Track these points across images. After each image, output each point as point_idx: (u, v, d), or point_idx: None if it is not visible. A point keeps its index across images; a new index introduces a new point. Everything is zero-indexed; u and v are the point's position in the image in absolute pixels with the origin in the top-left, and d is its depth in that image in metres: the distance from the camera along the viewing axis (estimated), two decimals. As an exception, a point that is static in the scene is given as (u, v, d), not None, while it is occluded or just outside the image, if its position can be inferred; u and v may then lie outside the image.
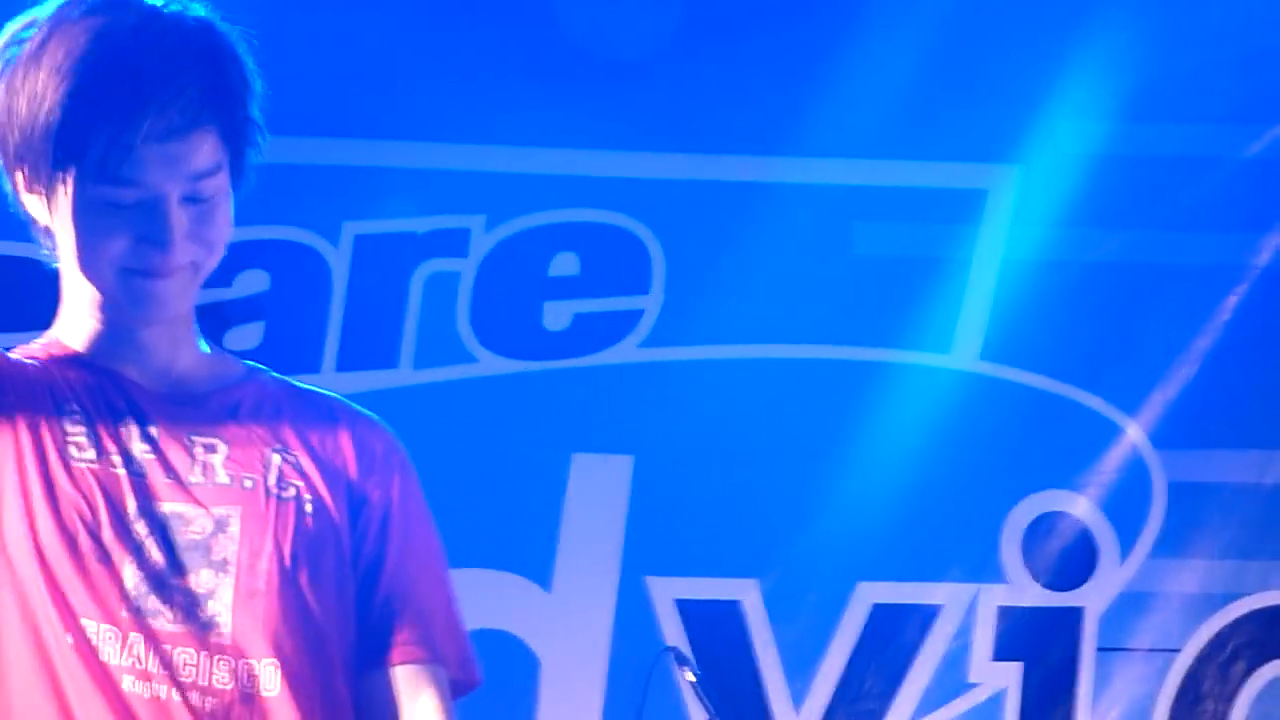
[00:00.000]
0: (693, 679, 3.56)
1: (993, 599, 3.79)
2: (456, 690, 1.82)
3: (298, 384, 1.77)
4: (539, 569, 3.78)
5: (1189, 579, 3.82)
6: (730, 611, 3.81)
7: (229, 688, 1.58)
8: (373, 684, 1.74)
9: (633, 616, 3.79)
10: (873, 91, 3.79)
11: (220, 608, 1.57)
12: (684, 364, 3.84)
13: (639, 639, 3.76)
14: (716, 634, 3.80)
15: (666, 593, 3.78)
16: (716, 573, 3.82)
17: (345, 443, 1.71)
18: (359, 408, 1.79)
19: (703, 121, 3.85)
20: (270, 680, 1.58)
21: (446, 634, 1.80)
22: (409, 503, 1.74)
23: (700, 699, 3.55)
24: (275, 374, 1.78)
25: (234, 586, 1.58)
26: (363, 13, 3.78)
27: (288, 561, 1.59)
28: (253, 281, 3.78)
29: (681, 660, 3.63)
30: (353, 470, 1.70)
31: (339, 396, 1.80)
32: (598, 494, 3.82)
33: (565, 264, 3.85)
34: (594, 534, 3.81)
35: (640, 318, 3.82)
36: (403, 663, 1.74)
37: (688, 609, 3.80)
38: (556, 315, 3.84)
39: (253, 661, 1.57)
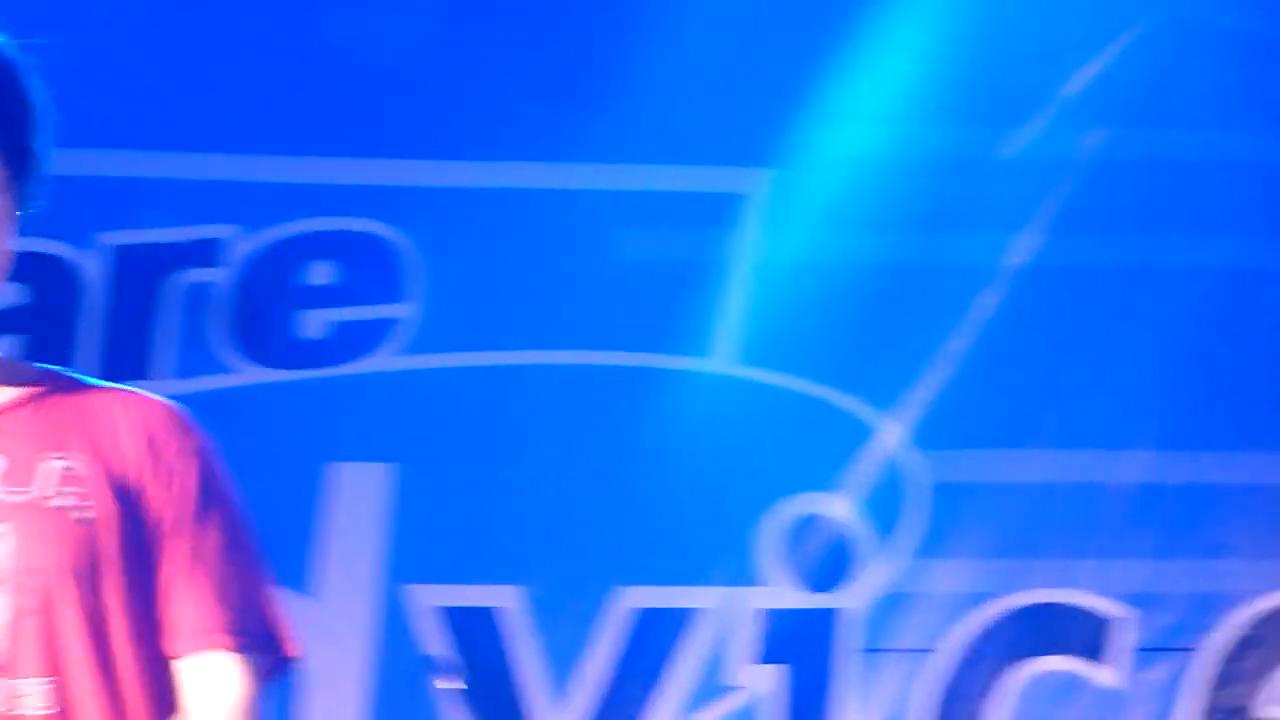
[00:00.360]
0: (454, 687, 3.58)
1: (752, 602, 3.83)
2: (275, 669, 1.80)
3: (92, 382, 1.75)
4: (299, 578, 3.79)
5: (948, 579, 3.85)
6: (491, 619, 3.84)
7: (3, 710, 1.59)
8: (182, 676, 1.72)
9: (394, 625, 3.81)
10: (630, 96, 3.81)
11: None
12: (443, 371, 3.86)
13: (400, 647, 3.78)
14: (478, 641, 3.82)
15: (428, 600, 3.80)
16: (477, 580, 3.84)
17: (134, 437, 1.68)
18: (156, 397, 1.76)
19: (460, 128, 3.85)
20: (43, 700, 1.57)
21: (248, 617, 1.77)
22: (204, 489, 1.71)
23: (461, 706, 3.58)
24: (75, 374, 1.77)
25: (9, 605, 1.57)
26: (115, 22, 3.78)
27: (62, 575, 1.58)
28: (4, 294, 3.77)
29: (443, 669, 3.66)
30: (141, 464, 1.67)
31: (135, 389, 1.77)
32: (357, 502, 3.83)
33: (321, 273, 3.85)
34: (354, 542, 3.82)
35: (398, 326, 3.84)
36: (198, 651, 1.71)
37: (449, 617, 3.82)
38: (312, 324, 3.84)
39: (22, 681, 1.56)
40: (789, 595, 3.81)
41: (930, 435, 3.86)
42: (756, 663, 3.82)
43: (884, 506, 3.85)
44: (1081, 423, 3.92)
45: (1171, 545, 3.86)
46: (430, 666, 3.68)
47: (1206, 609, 3.91)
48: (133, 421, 1.71)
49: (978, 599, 3.86)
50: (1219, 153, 3.97)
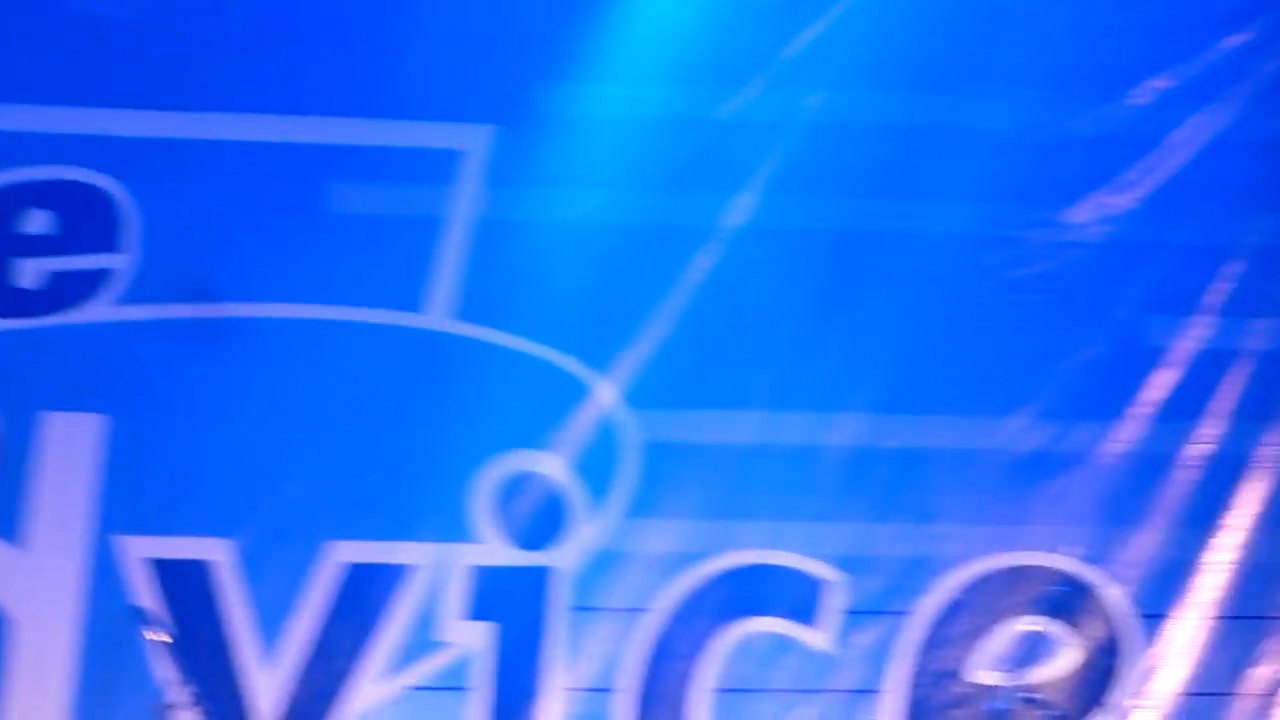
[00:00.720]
0: (159, 638, 3.60)
1: (463, 558, 3.87)
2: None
3: None
4: (10, 528, 3.82)
5: (660, 539, 3.91)
6: (201, 571, 3.88)
7: None
8: None
9: (104, 575, 3.85)
10: (346, 49, 3.86)
11: None
12: (157, 323, 3.91)
13: (110, 598, 3.81)
14: (187, 593, 3.86)
15: (137, 551, 3.84)
16: (188, 532, 3.89)
17: None
18: None
19: (175, 78, 3.89)
20: None
21: None
22: None
23: (169, 659, 3.59)
24: None
25: None
26: None
27: None
28: None
29: (149, 620, 3.67)
30: None
31: None
32: (69, 452, 3.88)
33: (36, 221, 3.87)
34: (65, 492, 3.87)
35: (112, 276, 3.86)
36: None
37: (158, 568, 3.85)
38: (28, 273, 3.87)
39: None
40: (501, 552, 3.87)
41: (644, 395, 3.93)
42: (468, 619, 3.88)
43: (597, 465, 3.91)
44: (795, 385, 3.97)
45: (883, 509, 3.91)
46: (139, 617, 3.70)
47: (917, 573, 3.98)
48: None
49: (689, 559, 3.94)
50: (937, 118, 4.03)
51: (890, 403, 4.05)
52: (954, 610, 4.21)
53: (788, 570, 4.14)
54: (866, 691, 4.00)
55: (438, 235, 3.91)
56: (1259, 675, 4.11)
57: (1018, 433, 4.22)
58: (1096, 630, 4.26)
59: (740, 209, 3.92)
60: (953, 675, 4.17)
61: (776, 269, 3.99)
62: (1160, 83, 4.29)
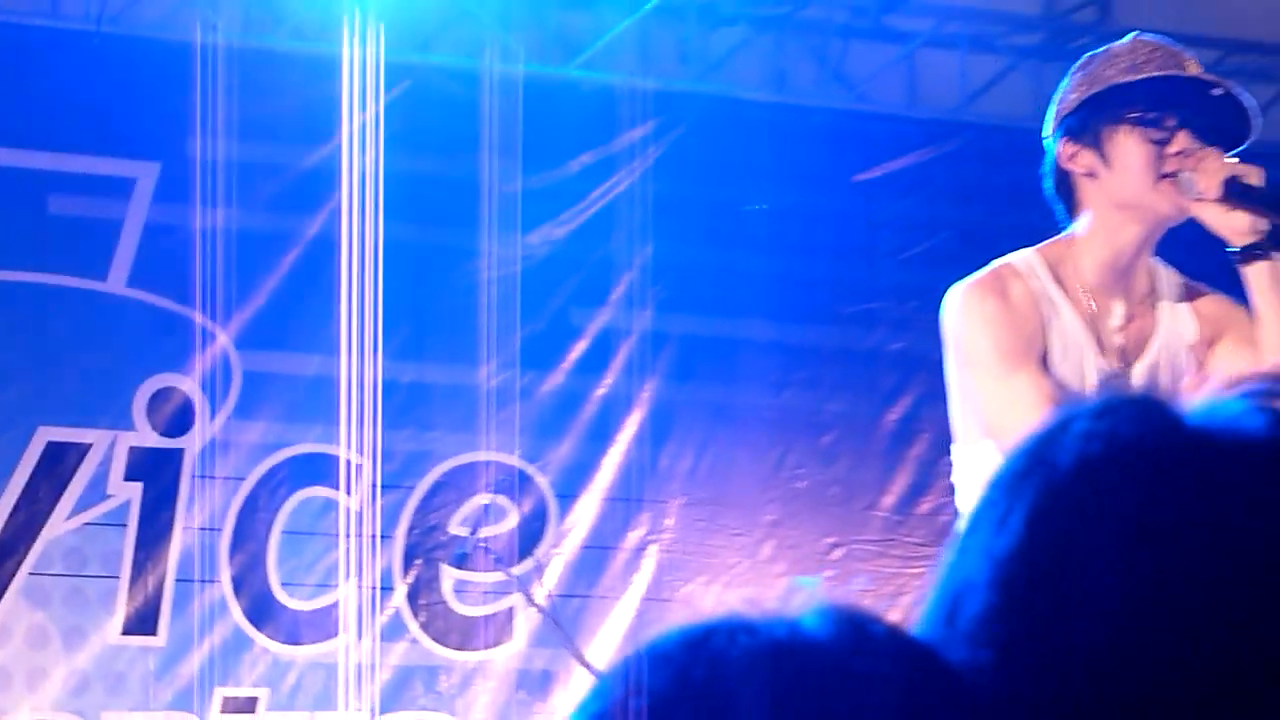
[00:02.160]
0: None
1: (127, 441, 6.13)
2: None
3: None
4: None
5: (255, 432, 6.23)
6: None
7: None
8: None
9: None
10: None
11: None
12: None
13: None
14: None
15: None
16: None
17: None
18: None
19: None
20: None
21: None
22: None
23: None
24: None
25: None
26: None
27: None
28: None
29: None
30: None
31: None
32: None
33: None
34: None
35: None
36: None
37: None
38: None
39: None
40: (150, 437, 6.12)
41: (247, 338, 6.18)
42: (126, 479, 6.12)
43: (215, 384, 6.18)
44: (349, 335, 6.27)
45: (400, 421, 6.35)
46: None
47: (420, 461, 6.48)
48: None
49: (273, 447, 6.37)
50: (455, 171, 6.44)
51: (407, 351, 6.48)
52: (439, 487, 6.77)
53: (334, 456, 6.55)
54: (386, 537, 6.38)
55: (120, 232, 6.16)
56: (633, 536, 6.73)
57: (486, 376, 6.74)
58: (529, 504, 6.83)
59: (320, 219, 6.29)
60: (436, 528, 6.73)
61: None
62: (586, 158, 6.93)
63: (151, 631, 6.40)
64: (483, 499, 6.70)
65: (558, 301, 6.99)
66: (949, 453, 7.08)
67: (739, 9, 7.30)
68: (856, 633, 0.96)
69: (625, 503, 7.09)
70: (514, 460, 6.87)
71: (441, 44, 6.97)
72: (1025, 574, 1.04)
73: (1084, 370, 3.93)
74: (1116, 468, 1.05)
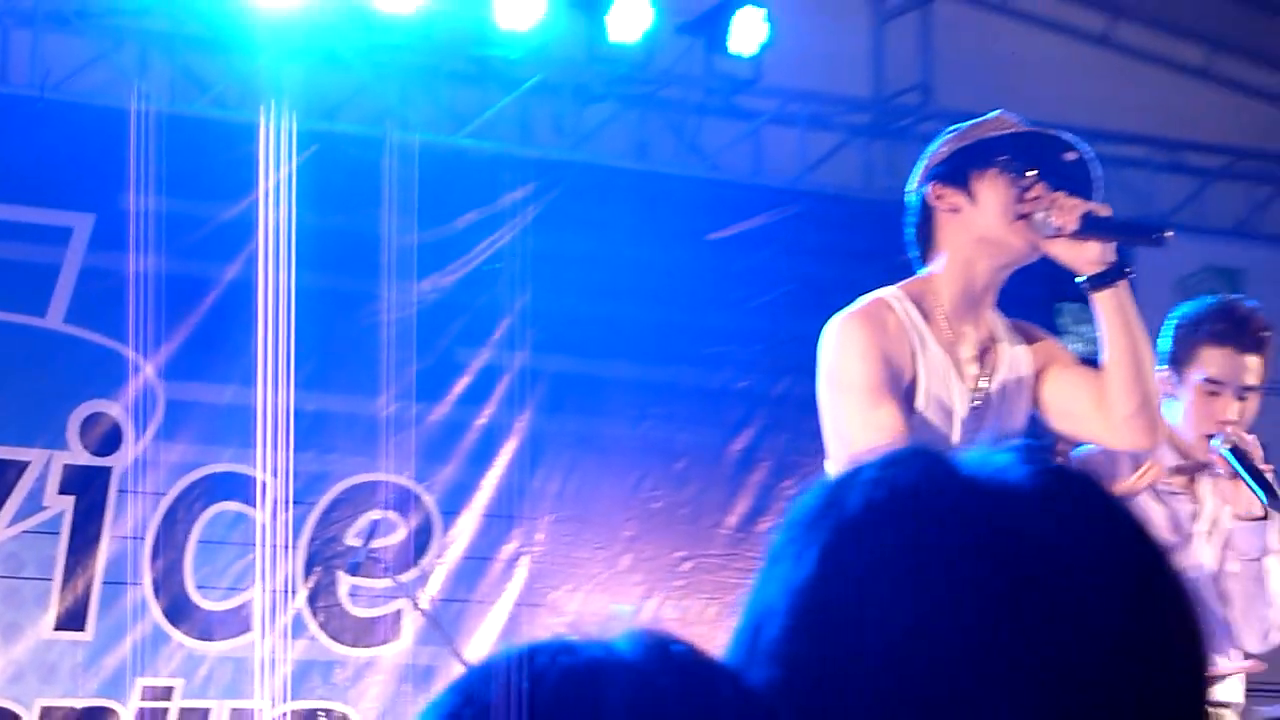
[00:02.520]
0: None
1: (62, 459, 6.83)
2: None
3: None
4: None
5: (175, 453, 6.96)
6: None
7: None
8: None
9: None
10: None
11: None
12: None
13: None
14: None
15: None
16: None
17: None
18: None
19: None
20: None
21: None
22: None
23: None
24: None
25: None
26: None
27: None
28: None
29: None
30: None
31: None
32: None
33: None
34: None
35: None
36: None
37: None
38: None
39: None
40: (82, 456, 6.79)
41: (171, 370, 6.90)
42: (60, 493, 6.78)
43: (140, 413, 6.87)
44: (262, 367, 7.01)
45: (309, 444, 7.05)
46: None
47: (320, 480, 7.19)
48: None
49: (192, 465, 7.06)
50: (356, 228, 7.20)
51: (313, 382, 7.07)
52: (337, 503, 7.41)
53: (245, 475, 7.19)
54: (290, 546, 6.98)
55: (59, 274, 6.85)
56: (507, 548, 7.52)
57: (382, 406, 7.38)
58: (416, 519, 7.42)
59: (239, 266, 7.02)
60: (335, 539, 7.37)
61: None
62: (472, 216, 7.65)
63: (80, 628, 6.98)
64: (376, 514, 7.36)
65: (445, 341, 7.69)
66: (787, 477, 8.14)
67: (607, 88, 8.10)
68: (662, 654, 1.03)
69: (501, 519, 7.76)
70: (404, 480, 7.49)
71: (347, 114, 7.73)
72: (817, 603, 1.13)
73: (951, 395, 4.10)
74: (896, 512, 1.15)
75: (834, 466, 3.96)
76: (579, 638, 1.05)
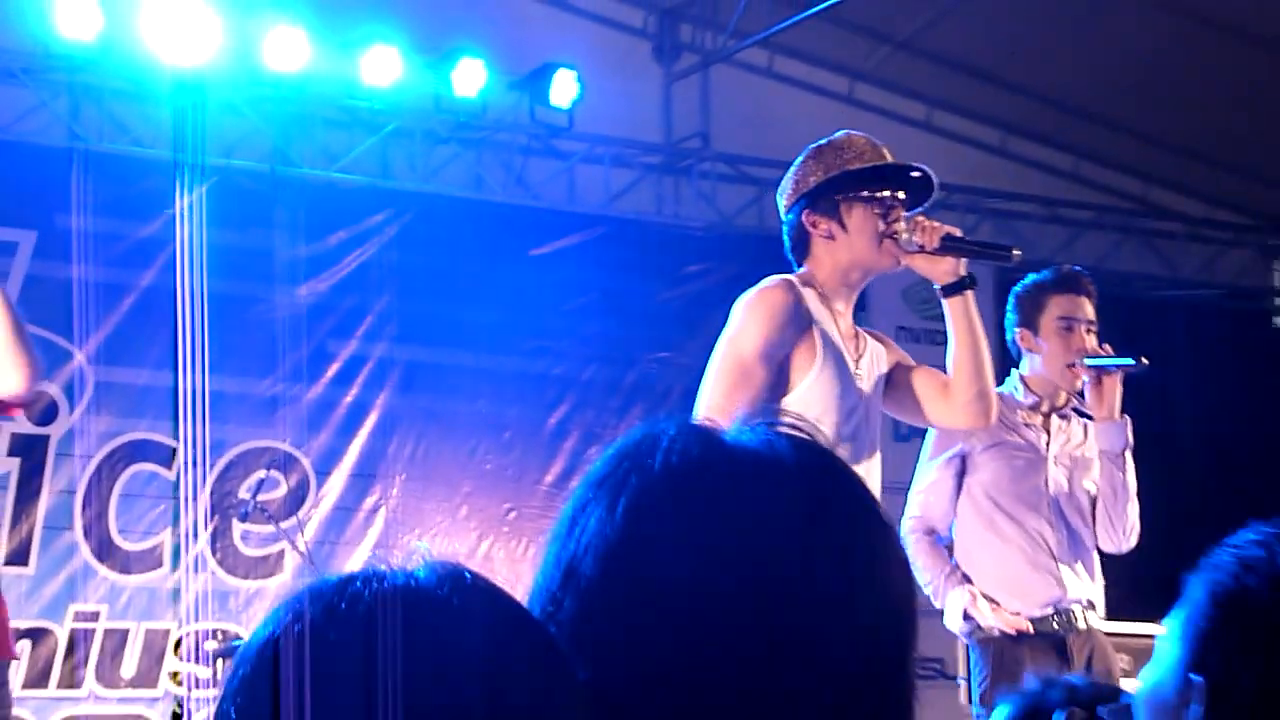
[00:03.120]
0: None
1: (9, 429, 7.57)
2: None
3: None
4: None
5: (102, 423, 7.96)
6: None
7: None
8: None
9: None
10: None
11: None
12: None
13: None
14: None
15: None
16: None
17: None
18: None
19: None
20: None
21: None
22: None
23: None
24: None
25: None
26: None
27: None
28: None
29: None
30: None
31: None
32: None
33: None
34: None
35: None
36: None
37: None
38: None
39: None
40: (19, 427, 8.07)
41: (97, 356, 8.21)
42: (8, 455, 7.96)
43: (75, 390, 8.15)
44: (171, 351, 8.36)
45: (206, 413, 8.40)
46: None
47: (218, 447, 8.08)
48: None
49: (115, 434, 8.05)
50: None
51: (216, 367, 7.60)
52: (232, 464, 8.18)
53: (161, 442, 7.97)
54: (194, 499, 7.73)
55: (6, 281, 7.27)
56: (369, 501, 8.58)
57: (269, 386, 8.26)
58: (295, 477, 8.19)
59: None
60: (230, 493, 8.12)
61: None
62: (342, 234, 8.50)
63: (25, 563, 7.75)
64: (263, 473, 8.16)
65: (320, 335, 8.50)
66: (592, 445, 8.79)
67: (451, 132, 8.94)
68: (455, 580, 1.15)
69: (364, 478, 8.56)
70: (287, 446, 8.39)
71: (241, 152, 8.46)
72: (619, 547, 1.27)
73: (843, 371, 4.15)
74: (684, 475, 1.28)
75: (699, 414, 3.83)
76: (387, 568, 1.14)
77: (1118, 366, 5.14)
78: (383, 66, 8.37)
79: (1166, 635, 1.63)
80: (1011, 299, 5.35)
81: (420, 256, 8.78)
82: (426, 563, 1.16)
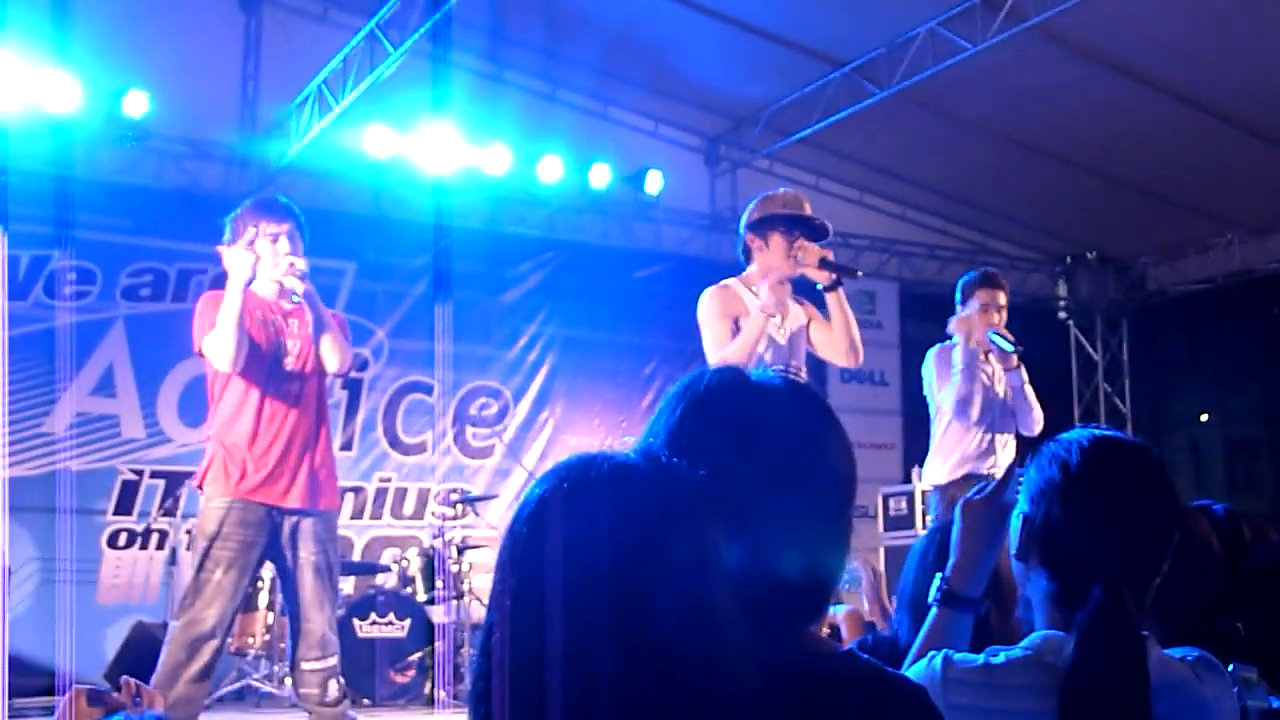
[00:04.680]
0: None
1: None
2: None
3: None
4: None
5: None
6: None
7: None
8: None
9: None
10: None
11: None
12: None
13: None
14: None
15: None
16: None
17: None
18: None
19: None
20: None
21: None
22: None
23: None
24: None
25: None
26: None
27: None
28: None
29: None
30: None
31: None
32: None
33: None
34: None
35: None
36: None
37: None
38: None
39: None
40: None
41: None
42: None
43: None
44: None
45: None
46: None
47: None
48: None
49: None
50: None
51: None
52: (466, 395, 10.39)
53: (425, 381, 9.85)
54: None
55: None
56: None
57: (485, 350, 10.45)
58: (501, 404, 10.73)
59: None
60: (465, 410, 10.22)
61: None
62: (528, 264, 10.93)
63: (350, 449, 9.68)
64: (483, 399, 10.25)
65: (516, 320, 10.51)
66: (667, 383, 11.68)
67: (589, 205, 10.60)
68: (651, 458, 1.30)
69: (539, 403, 10.43)
70: (496, 384, 10.29)
71: (479, 218, 10.24)
72: (677, 432, 1.48)
73: (763, 333, 4.62)
74: (724, 394, 1.48)
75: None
76: (612, 451, 1.27)
77: (1000, 349, 5.81)
78: (552, 170, 10.38)
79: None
80: (959, 285, 6.07)
81: (572, 276, 10.92)
82: (632, 449, 1.33)
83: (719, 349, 4.72)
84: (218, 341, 4.71)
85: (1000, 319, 5.93)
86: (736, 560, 1.29)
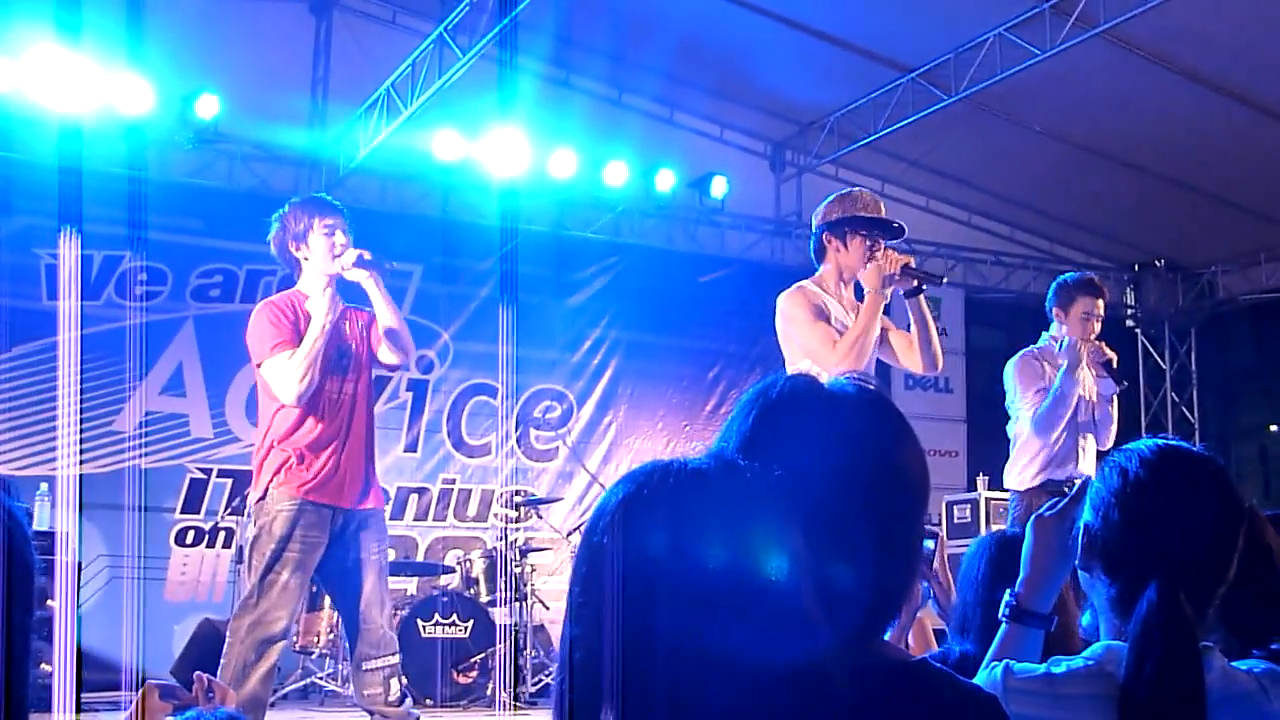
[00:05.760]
0: None
1: None
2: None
3: None
4: None
5: None
6: None
7: None
8: None
9: None
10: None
11: None
12: None
13: None
14: None
15: None
16: None
17: None
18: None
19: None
20: None
21: None
22: None
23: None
24: None
25: None
26: None
27: None
28: None
29: None
30: None
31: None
32: None
33: None
34: None
35: None
36: None
37: None
38: None
39: None
40: None
41: None
42: None
43: None
44: None
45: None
46: None
47: None
48: None
49: None
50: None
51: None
52: (529, 398, 10.52)
53: (489, 384, 10.04)
54: None
55: None
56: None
57: (550, 354, 10.76)
58: (565, 406, 11.05)
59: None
60: (529, 413, 10.32)
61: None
62: (593, 269, 11.29)
63: (415, 451, 9.74)
64: (547, 403, 10.37)
65: (581, 324, 10.60)
66: (732, 389, 11.32)
67: (654, 210, 10.69)
68: (722, 462, 1.31)
69: (603, 406, 10.47)
70: (560, 387, 10.46)
71: (544, 221, 10.39)
72: (750, 438, 1.50)
73: (877, 319, 4.57)
74: (797, 400, 1.51)
75: (792, 367, 4.22)
76: (687, 457, 1.29)
77: (1111, 377, 5.85)
78: (618, 174, 10.49)
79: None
80: (1053, 287, 5.93)
81: (637, 280, 11.01)
82: (701, 455, 1.32)
83: (823, 346, 4.61)
84: (290, 374, 4.78)
85: (1098, 328, 5.89)
86: (811, 566, 1.29)
